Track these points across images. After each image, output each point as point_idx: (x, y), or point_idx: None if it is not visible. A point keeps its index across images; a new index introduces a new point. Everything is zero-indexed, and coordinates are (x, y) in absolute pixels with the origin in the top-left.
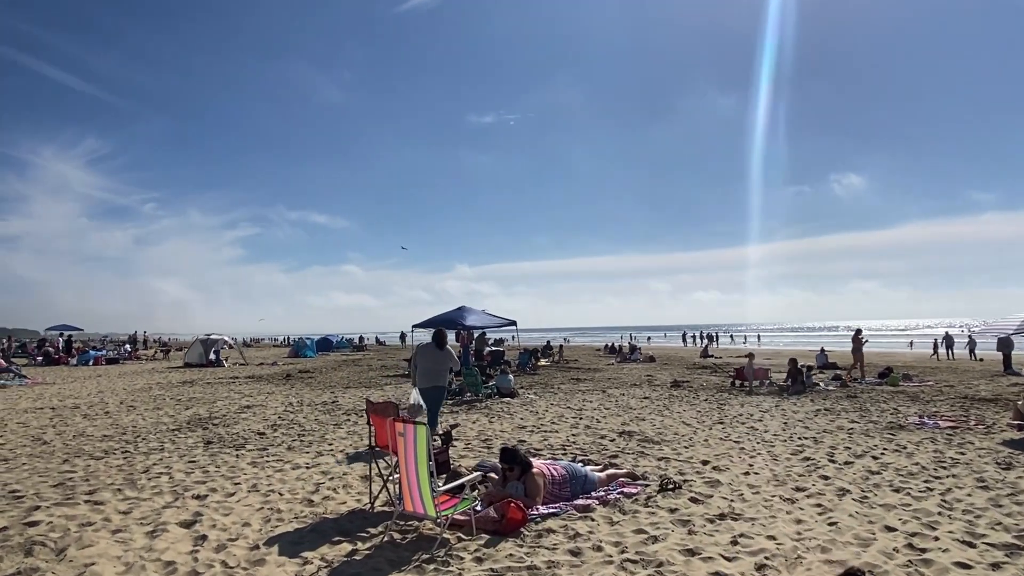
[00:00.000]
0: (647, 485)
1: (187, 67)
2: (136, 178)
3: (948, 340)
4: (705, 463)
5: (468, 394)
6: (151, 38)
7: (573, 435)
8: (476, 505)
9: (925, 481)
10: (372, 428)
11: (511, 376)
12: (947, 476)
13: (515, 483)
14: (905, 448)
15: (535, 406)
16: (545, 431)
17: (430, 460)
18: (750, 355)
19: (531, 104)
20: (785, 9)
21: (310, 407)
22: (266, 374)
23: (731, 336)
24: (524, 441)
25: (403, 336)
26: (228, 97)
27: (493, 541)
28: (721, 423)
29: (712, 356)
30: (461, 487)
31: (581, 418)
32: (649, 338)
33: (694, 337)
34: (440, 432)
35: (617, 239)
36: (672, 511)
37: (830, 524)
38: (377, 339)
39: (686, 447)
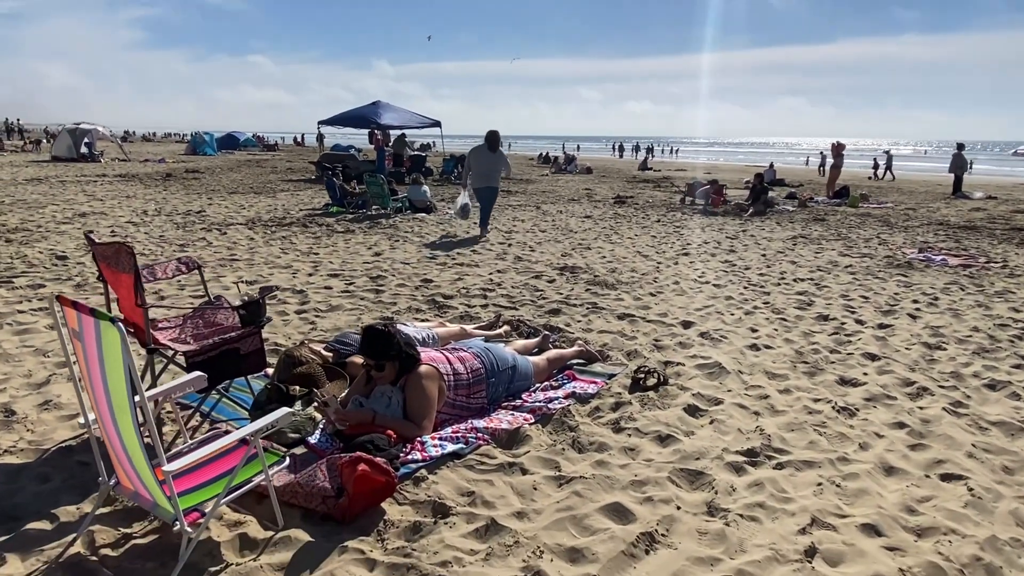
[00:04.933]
0: (612, 376)
1: None
2: None
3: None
4: (687, 325)
5: (374, 207)
6: None
7: (499, 272)
8: (284, 463)
9: (1013, 366)
10: (107, 289)
11: (426, 187)
12: None
13: (386, 390)
14: (937, 300)
15: (454, 224)
16: (461, 264)
17: (136, 395)
18: (714, 180)
19: None
20: None
21: (166, 217)
22: (145, 172)
23: (671, 149)
24: (430, 282)
25: (320, 137)
26: None
27: (311, 548)
28: (687, 254)
29: (651, 169)
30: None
31: (510, 244)
32: (578, 147)
33: (635, 148)
34: (243, 296)
35: (546, 40)
36: (663, 441)
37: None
38: (296, 139)
39: (652, 294)
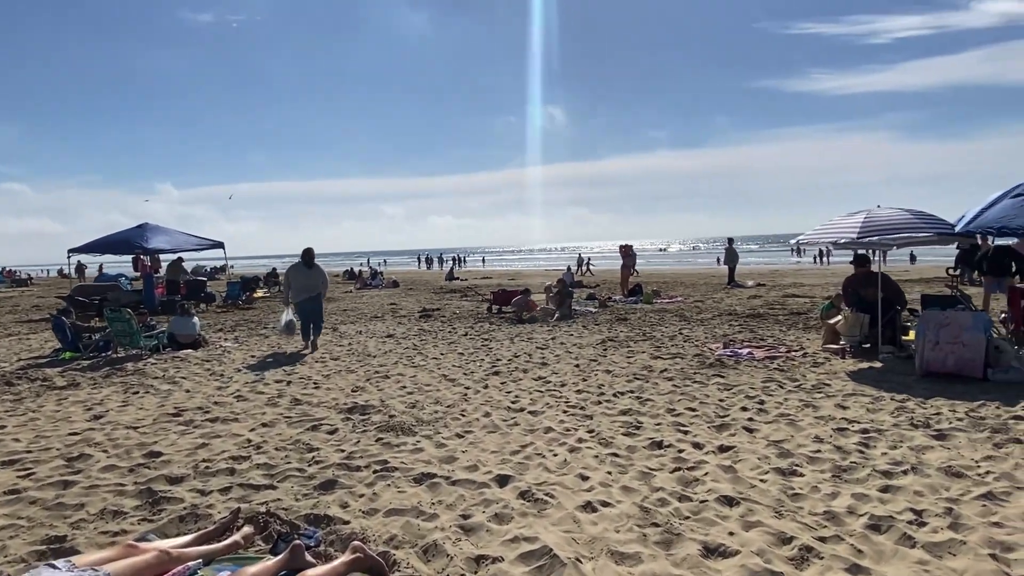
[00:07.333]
0: None
1: None
2: None
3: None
4: (504, 481)
5: (121, 348)
6: None
7: (264, 425)
8: None
9: (881, 490)
10: None
11: (195, 319)
12: (900, 468)
13: None
14: (763, 404)
15: (225, 361)
16: (214, 420)
17: None
18: (526, 290)
19: (260, 5)
20: None
21: None
22: None
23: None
24: (158, 456)
25: (80, 268)
26: None
27: None
28: (496, 372)
29: (458, 279)
30: None
31: (290, 381)
32: (385, 261)
33: (440, 259)
34: None
35: (347, 161)
36: None
37: None
38: (61, 271)
39: (460, 436)
